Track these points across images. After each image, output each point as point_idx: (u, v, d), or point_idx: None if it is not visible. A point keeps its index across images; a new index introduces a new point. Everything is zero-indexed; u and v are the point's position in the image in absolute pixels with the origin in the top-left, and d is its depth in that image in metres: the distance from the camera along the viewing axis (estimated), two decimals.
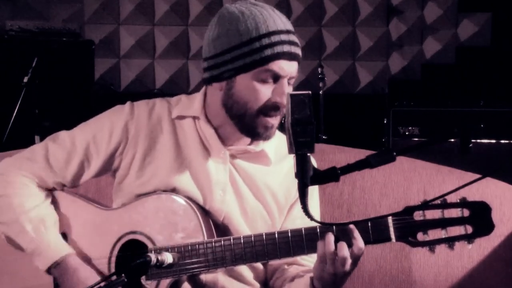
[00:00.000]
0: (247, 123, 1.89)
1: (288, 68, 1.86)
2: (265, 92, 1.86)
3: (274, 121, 1.90)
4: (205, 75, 1.94)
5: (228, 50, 1.86)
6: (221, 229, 1.94)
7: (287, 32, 1.87)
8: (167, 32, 6.40)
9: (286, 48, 1.85)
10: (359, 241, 1.76)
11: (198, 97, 2.00)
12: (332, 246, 1.75)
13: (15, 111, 4.66)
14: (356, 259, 1.77)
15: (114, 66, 6.38)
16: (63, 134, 2.02)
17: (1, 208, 1.97)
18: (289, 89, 1.89)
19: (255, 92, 1.86)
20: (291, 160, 1.51)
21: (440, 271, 2.33)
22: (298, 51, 1.88)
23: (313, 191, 2.06)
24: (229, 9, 1.91)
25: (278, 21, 1.87)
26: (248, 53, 1.84)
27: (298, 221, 1.94)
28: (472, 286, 2.33)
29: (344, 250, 1.74)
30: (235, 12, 1.88)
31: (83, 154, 1.98)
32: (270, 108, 1.87)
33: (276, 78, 1.86)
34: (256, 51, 1.83)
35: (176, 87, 6.24)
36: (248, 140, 1.98)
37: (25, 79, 4.66)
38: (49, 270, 1.94)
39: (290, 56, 1.86)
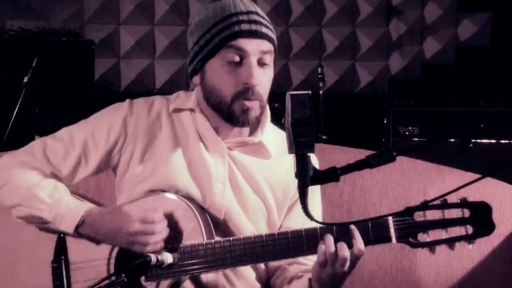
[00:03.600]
0: (223, 110, 1.91)
1: (252, 46, 1.87)
2: (234, 76, 1.88)
3: (250, 104, 1.90)
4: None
5: (196, 42, 1.93)
6: (222, 226, 1.94)
7: (248, 12, 1.90)
8: (167, 32, 6.40)
9: (245, 26, 1.87)
10: (359, 242, 1.76)
11: (194, 92, 2.03)
12: (332, 247, 1.75)
13: (15, 111, 4.66)
14: (355, 260, 1.77)
15: (114, 66, 6.38)
16: (62, 130, 2.03)
17: (10, 193, 1.96)
18: (264, 72, 1.91)
19: (223, 77, 1.89)
20: (292, 156, 1.51)
21: (440, 271, 2.33)
22: (261, 28, 1.89)
23: (315, 191, 2.05)
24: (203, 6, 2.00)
25: (239, 4, 1.91)
26: (210, 39, 1.89)
27: (301, 220, 1.93)
28: (472, 286, 2.33)
29: (344, 250, 1.74)
30: (204, 7, 1.97)
31: (81, 149, 1.99)
32: (242, 91, 1.88)
33: (241, 59, 1.88)
34: (216, 35, 1.88)
35: (176, 87, 6.23)
36: (243, 132, 1.99)
37: (25, 79, 4.66)
38: (77, 230, 1.91)
39: (250, 34, 1.87)
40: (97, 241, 1.93)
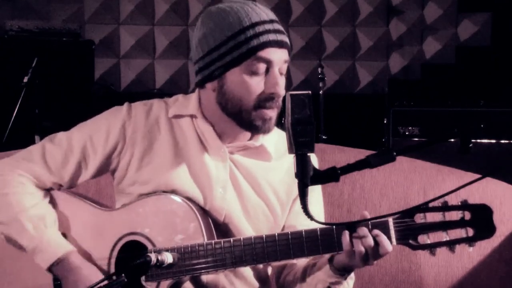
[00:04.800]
0: (244, 118, 1.89)
1: (277, 56, 1.86)
2: (257, 85, 1.86)
3: (272, 113, 1.89)
4: (197, 78, 1.95)
5: (215, 48, 1.87)
6: (223, 228, 1.94)
7: (271, 21, 1.88)
8: (167, 32, 6.40)
9: (272, 36, 1.85)
10: (386, 244, 1.76)
11: (194, 96, 2.00)
12: (371, 240, 1.74)
13: (15, 111, 4.66)
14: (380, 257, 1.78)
15: (114, 66, 6.38)
16: (60, 135, 2.02)
17: (0, 207, 1.96)
18: (282, 80, 1.89)
19: (247, 86, 1.86)
20: (291, 156, 1.51)
21: (440, 271, 2.33)
22: (285, 38, 1.89)
23: (315, 192, 2.05)
24: (211, 9, 1.93)
25: (261, 12, 1.88)
26: (234, 47, 1.85)
27: (302, 216, 1.93)
28: (472, 286, 2.33)
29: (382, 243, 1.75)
30: (217, 11, 1.90)
31: (80, 154, 1.98)
32: (265, 100, 1.87)
33: (267, 68, 1.86)
34: (242, 44, 1.84)
35: (176, 87, 6.24)
36: (246, 136, 1.98)
37: (25, 79, 4.66)
38: (50, 268, 1.93)
39: (278, 44, 1.86)
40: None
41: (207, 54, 1.89)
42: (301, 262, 2.00)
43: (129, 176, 1.97)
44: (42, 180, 2.00)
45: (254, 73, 1.85)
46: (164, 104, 2.02)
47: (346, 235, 1.76)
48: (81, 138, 1.99)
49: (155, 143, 1.97)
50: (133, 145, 1.97)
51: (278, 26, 1.89)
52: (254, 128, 1.90)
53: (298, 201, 1.97)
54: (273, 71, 1.86)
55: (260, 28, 1.84)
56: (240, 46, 1.84)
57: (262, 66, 1.85)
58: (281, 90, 1.87)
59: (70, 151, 1.98)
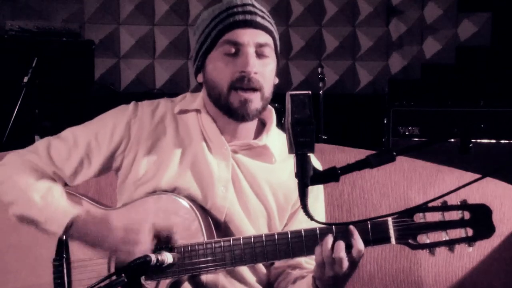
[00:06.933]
0: (222, 102, 1.93)
1: (247, 37, 1.90)
2: (229, 66, 1.90)
3: (248, 95, 1.90)
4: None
5: (197, 41, 1.98)
6: (223, 228, 1.94)
7: (243, 5, 1.93)
8: (167, 32, 6.40)
9: (239, 17, 1.90)
10: (358, 243, 1.75)
11: (201, 93, 2.04)
12: (328, 250, 1.74)
13: (15, 111, 4.66)
14: (355, 260, 1.76)
15: (114, 66, 6.39)
16: (66, 131, 2.04)
17: (7, 190, 1.97)
18: (263, 63, 1.92)
19: (220, 68, 1.91)
20: None
21: (440, 271, 2.33)
22: (255, 18, 1.92)
23: (318, 194, 2.05)
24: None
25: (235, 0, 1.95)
26: (207, 34, 1.94)
27: (304, 225, 1.93)
28: (472, 286, 2.33)
29: (341, 252, 1.73)
30: (206, 10, 2.00)
31: (85, 150, 1.99)
32: (237, 80, 1.89)
33: (238, 50, 1.89)
34: (212, 30, 1.92)
35: (176, 87, 6.24)
36: (249, 134, 1.99)
37: (25, 79, 4.66)
38: (66, 232, 1.92)
39: (245, 24, 1.90)
40: (88, 245, 1.93)
41: (194, 48, 1.99)
42: (295, 272, 2.00)
43: (133, 174, 1.97)
44: (46, 172, 2.01)
45: (226, 55, 1.90)
46: (170, 103, 2.05)
47: (327, 243, 1.75)
48: (87, 134, 2.00)
49: (159, 141, 1.98)
50: (137, 143, 1.98)
51: (250, 8, 1.93)
52: (233, 111, 1.92)
53: (301, 210, 1.98)
54: (244, 51, 1.89)
55: (229, 12, 1.91)
56: (210, 33, 1.92)
57: (231, 48, 1.90)
58: (251, 68, 1.88)
59: (74, 147, 1.99)
